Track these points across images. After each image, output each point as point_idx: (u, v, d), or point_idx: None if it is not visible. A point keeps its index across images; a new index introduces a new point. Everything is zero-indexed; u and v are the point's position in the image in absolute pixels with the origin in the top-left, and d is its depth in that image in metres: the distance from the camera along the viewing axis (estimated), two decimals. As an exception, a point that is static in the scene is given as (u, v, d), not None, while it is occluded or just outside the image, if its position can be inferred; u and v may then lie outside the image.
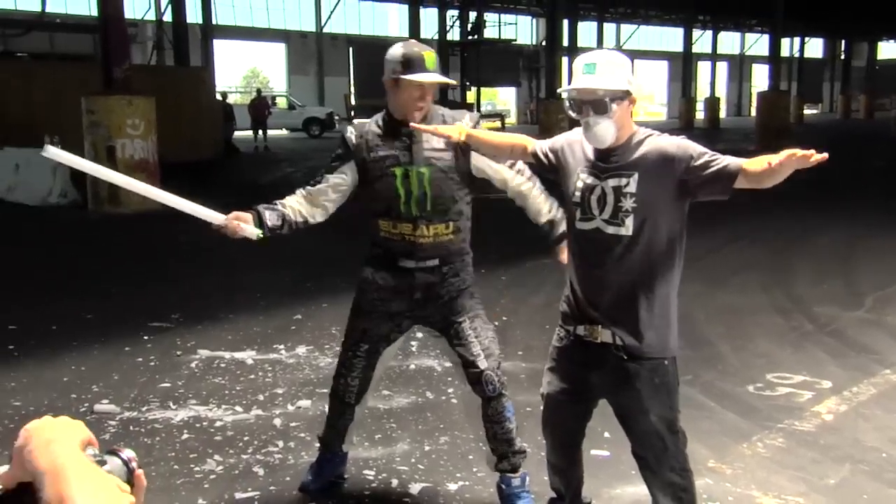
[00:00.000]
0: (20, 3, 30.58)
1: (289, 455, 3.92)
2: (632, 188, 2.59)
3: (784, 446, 4.01)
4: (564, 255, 3.06)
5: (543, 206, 3.28)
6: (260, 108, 27.43)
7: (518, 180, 3.27)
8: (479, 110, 32.26)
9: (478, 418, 4.30)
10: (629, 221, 2.59)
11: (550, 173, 2.92)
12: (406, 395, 4.71)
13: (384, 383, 4.83)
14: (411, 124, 3.09)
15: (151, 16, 30.62)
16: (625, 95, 2.59)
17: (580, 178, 2.71)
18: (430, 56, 3.11)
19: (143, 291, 7.23)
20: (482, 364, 3.23)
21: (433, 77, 3.10)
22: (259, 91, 31.46)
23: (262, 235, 3.11)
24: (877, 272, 7.47)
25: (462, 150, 3.15)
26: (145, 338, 5.76)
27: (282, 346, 5.58)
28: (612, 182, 2.63)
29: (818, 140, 23.37)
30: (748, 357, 5.32)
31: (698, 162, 2.53)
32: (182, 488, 3.59)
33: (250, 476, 3.71)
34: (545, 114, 19.30)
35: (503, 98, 53.41)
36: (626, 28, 50.42)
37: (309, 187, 3.28)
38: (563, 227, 3.10)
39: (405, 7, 32.86)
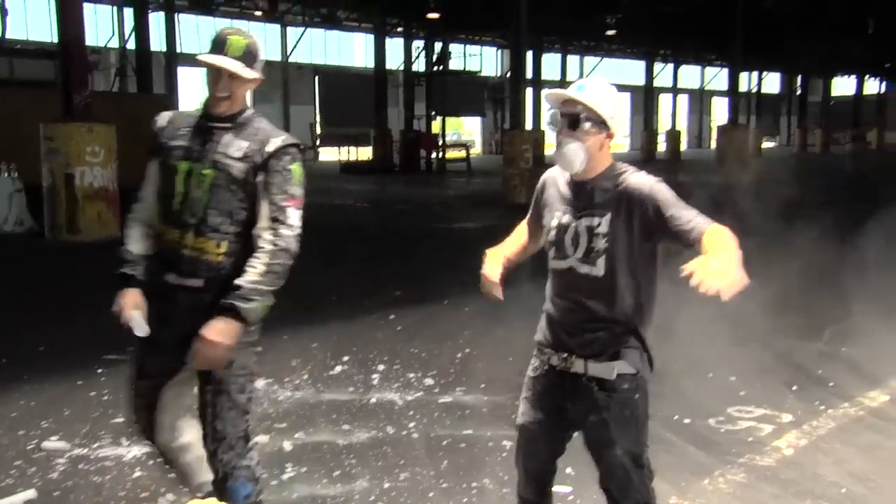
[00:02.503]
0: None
1: (244, 493, 3.81)
2: (604, 228, 2.59)
3: (745, 481, 3.97)
4: (208, 326, 2.65)
5: (252, 271, 2.69)
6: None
7: (264, 235, 2.75)
8: (444, 139, 32.33)
9: (437, 453, 4.25)
10: (601, 262, 2.59)
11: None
12: (366, 429, 4.58)
13: (344, 417, 4.77)
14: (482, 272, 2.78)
15: (115, 43, 30.38)
16: (602, 124, 2.59)
17: (556, 217, 2.70)
18: (236, 40, 2.75)
19: (100, 323, 6.94)
20: (209, 446, 2.86)
21: (220, 61, 2.71)
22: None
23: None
24: (834, 305, 7.52)
25: (255, 165, 2.77)
26: (99, 371, 5.58)
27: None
28: (585, 222, 2.62)
29: (777, 172, 23.82)
30: (709, 390, 5.28)
31: (667, 214, 2.52)
32: (132, 529, 3.48)
33: (204, 516, 3.60)
34: (510, 144, 19.34)
35: (469, 128, 53.67)
36: (590, 60, 50.95)
37: (139, 210, 2.95)
38: (236, 302, 2.65)
39: (371, 37, 32.98)
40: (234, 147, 2.77)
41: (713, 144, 34.67)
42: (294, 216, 2.77)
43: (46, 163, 12.06)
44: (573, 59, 49.04)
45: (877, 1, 28.41)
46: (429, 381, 5.44)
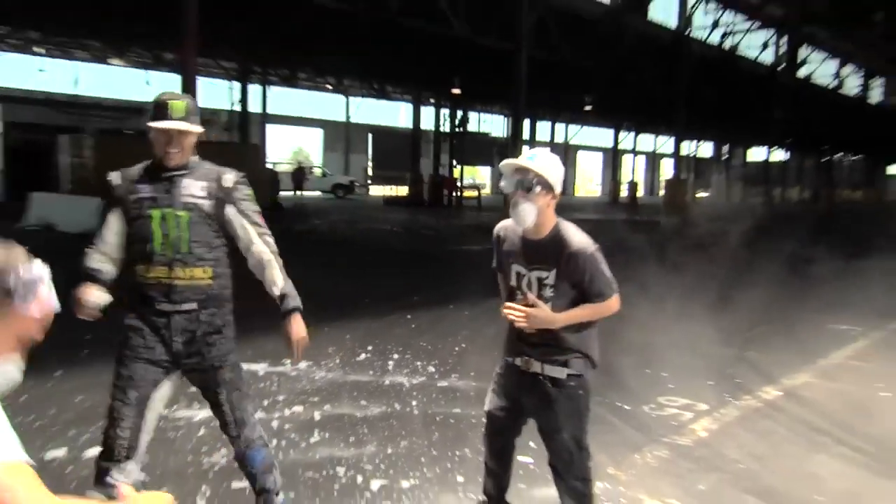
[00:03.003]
0: (134, 94, 30.55)
1: (279, 452, 3.63)
2: (550, 281, 2.47)
3: (667, 457, 3.79)
4: (292, 329, 2.57)
5: (279, 279, 2.60)
6: (298, 175, 27.53)
7: (261, 248, 2.60)
8: (461, 182, 32.16)
9: (431, 427, 4.08)
10: (548, 306, 2.46)
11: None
12: (379, 405, 4.42)
13: (363, 394, 4.61)
14: (504, 309, 2.50)
15: (227, 106, 30.83)
16: (549, 188, 2.42)
17: (514, 267, 2.56)
18: (177, 104, 2.44)
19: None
20: (232, 432, 2.67)
21: (172, 124, 2.42)
22: (300, 164, 31.75)
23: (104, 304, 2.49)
24: (743, 319, 7.31)
25: (219, 199, 2.54)
26: (184, 350, 5.48)
27: (288, 361, 5.21)
28: (535, 273, 2.50)
29: (706, 215, 23.61)
30: (646, 383, 5.08)
31: (590, 281, 2.45)
32: (191, 477, 3.34)
33: (247, 469, 3.46)
34: (509, 188, 19.23)
35: (482, 175, 53.44)
36: (572, 128, 50.73)
37: (98, 247, 2.56)
38: (294, 303, 2.59)
39: (410, 105, 33.03)
40: (195, 188, 2.52)
41: (662, 193, 34.45)
42: (264, 222, 2.65)
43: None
44: (560, 126, 48.88)
45: (782, 97, 28.58)
46: (431, 369, 5.27)
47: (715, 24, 28.42)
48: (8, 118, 20.44)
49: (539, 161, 2.44)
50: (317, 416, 4.20)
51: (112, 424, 2.48)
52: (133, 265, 2.52)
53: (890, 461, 3.81)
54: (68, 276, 2.30)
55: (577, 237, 2.48)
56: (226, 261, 2.60)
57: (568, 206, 30.20)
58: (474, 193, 31.06)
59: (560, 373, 2.49)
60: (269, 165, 25.44)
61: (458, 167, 32.18)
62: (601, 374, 2.61)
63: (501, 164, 2.52)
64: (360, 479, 3.36)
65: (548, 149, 2.67)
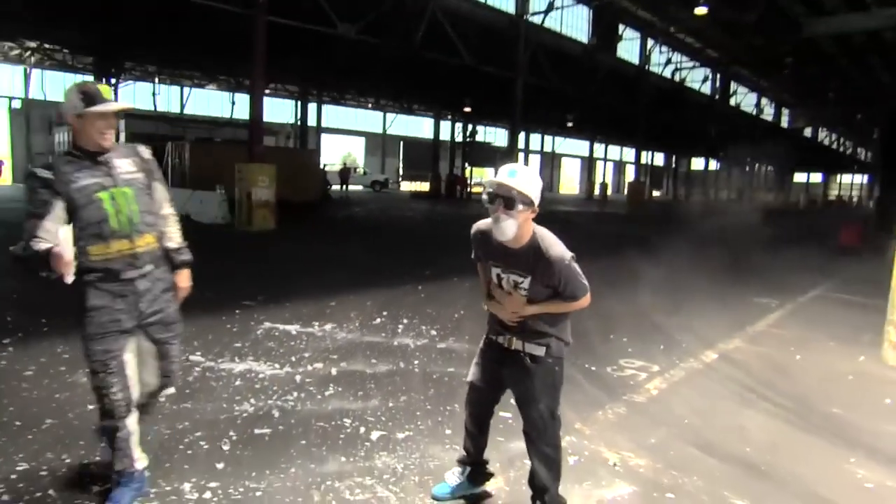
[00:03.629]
0: (222, 111, 30.17)
1: (298, 403, 3.29)
2: (525, 285, 2.09)
3: (625, 413, 3.41)
4: (180, 278, 2.32)
5: (177, 235, 2.34)
6: (344, 173, 27.13)
7: (168, 210, 2.32)
8: (471, 181, 31.38)
9: (428, 384, 3.68)
10: (524, 299, 2.10)
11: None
12: (386, 364, 4.05)
13: (375, 353, 4.24)
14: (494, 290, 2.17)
15: (290, 119, 30.37)
16: (530, 203, 2.00)
17: (493, 268, 2.16)
18: (105, 88, 2.08)
19: (248, 282, 6.57)
20: (176, 381, 2.40)
21: (116, 105, 2.07)
22: (345, 164, 31.36)
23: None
24: (690, 291, 6.86)
25: (146, 170, 2.21)
26: (237, 312, 5.11)
27: (317, 323, 4.89)
28: (513, 277, 2.11)
29: (660, 208, 22.94)
30: (610, 347, 4.69)
31: (565, 287, 2.07)
32: (222, 422, 3.00)
33: (269, 417, 3.10)
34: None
35: (487, 175, 52.39)
36: (558, 139, 49.67)
37: (44, 237, 1.99)
38: (186, 257, 2.33)
39: (431, 120, 32.35)
40: (126, 165, 2.16)
41: (625, 192, 33.67)
42: None
43: (237, 185, 11.70)
44: (548, 138, 47.87)
45: (717, 120, 27.84)
46: (433, 332, 4.88)
47: (667, 62, 27.59)
48: (131, 130, 20.57)
49: (519, 178, 2.00)
50: (334, 371, 3.84)
51: (103, 395, 2.14)
52: (85, 248, 2.08)
53: (804, 416, 3.48)
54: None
55: (554, 248, 2.06)
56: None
57: (554, 201, 29.58)
58: (480, 189, 30.50)
59: (539, 350, 2.15)
60: (321, 166, 24.95)
61: (469, 169, 31.52)
62: (573, 340, 2.24)
63: (487, 181, 2.09)
64: (362, 429, 3.02)
65: (531, 164, 2.24)
